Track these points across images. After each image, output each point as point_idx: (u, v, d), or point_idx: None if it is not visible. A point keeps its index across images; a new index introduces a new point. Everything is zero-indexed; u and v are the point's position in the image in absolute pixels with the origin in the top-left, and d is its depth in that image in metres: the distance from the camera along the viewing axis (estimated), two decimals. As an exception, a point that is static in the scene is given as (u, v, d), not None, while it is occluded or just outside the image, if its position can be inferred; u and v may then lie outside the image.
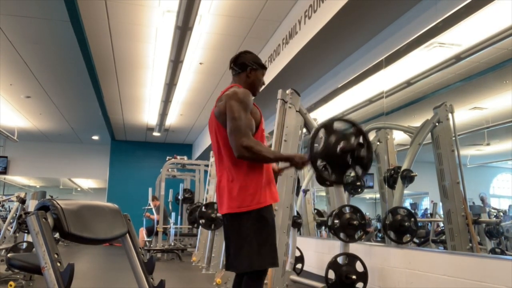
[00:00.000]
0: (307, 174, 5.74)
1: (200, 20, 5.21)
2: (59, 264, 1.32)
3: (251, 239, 2.03)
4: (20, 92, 8.48)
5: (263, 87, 2.36)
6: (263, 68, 2.30)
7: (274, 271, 3.82)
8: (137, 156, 13.34)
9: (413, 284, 3.37)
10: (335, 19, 4.00)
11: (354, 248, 3.80)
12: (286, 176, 3.89)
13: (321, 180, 4.29)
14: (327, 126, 2.06)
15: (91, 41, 5.97)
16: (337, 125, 2.08)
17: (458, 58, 3.88)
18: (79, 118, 10.76)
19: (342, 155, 1.98)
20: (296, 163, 2.10)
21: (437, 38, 3.71)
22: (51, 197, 2.62)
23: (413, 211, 4.62)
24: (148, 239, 8.85)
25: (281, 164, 2.23)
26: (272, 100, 4.06)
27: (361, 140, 2.02)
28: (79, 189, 21.50)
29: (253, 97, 2.20)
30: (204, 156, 11.00)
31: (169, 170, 9.26)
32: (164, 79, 6.90)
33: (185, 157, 8.92)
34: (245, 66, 2.24)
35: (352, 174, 2.07)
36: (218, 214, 5.59)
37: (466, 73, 4.03)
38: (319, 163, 2.04)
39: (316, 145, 2.05)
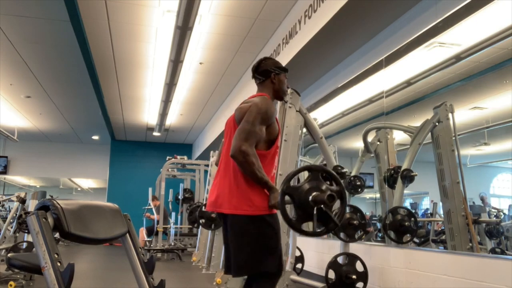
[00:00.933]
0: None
1: (200, 20, 5.21)
2: (59, 264, 1.32)
3: (254, 242, 2.01)
4: (20, 92, 8.48)
5: (289, 89, 2.36)
6: (285, 70, 2.30)
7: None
8: (137, 156, 13.34)
9: (413, 284, 3.37)
10: (335, 19, 4.00)
11: (354, 248, 3.80)
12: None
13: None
14: (313, 170, 2.00)
15: (91, 41, 5.97)
16: (323, 175, 2.01)
17: (458, 58, 3.88)
18: (79, 118, 10.76)
19: (315, 206, 1.91)
20: (270, 200, 2.04)
21: (437, 38, 3.71)
22: (51, 197, 2.62)
23: (413, 211, 4.62)
24: (148, 239, 8.85)
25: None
26: (272, 100, 4.05)
27: (334, 190, 1.93)
28: (79, 189, 21.51)
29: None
30: (204, 156, 11.00)
31: (169, 170, 9.25)
32: (164, 79, 6.90)
33: (185, 157, 8.92)
34: (268, 72, 2.24)
35: (311, 227, 1.96)
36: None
37: (466, 73, 4.03)
38: (294, 218, 1.97)
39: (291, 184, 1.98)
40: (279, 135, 2.20)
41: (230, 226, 2.09)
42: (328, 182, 2.00)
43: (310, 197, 1.91)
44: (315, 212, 1.90)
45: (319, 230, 1.97)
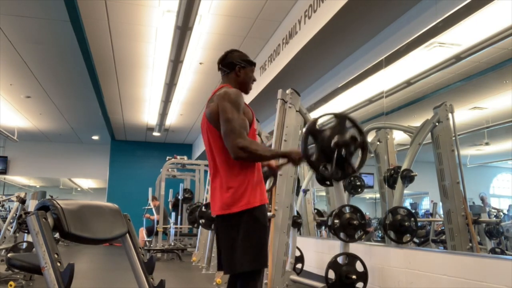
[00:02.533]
0: (307, 174, 5.74)
1: (200, 20, 5.21)
2: (59, 264, 1.32)
3: (242, 240, 2.01)
4: (20, 92, 8.48)
5: (254, 83, 2.33)
6: (252, 64, 2.27)
7: (274, 271, 3.82)
8: (137, 156, 13.34)
9: (413, 284, 3.37)
10: (335, 19, 4.00)
11: (354, 248, 3.79)
12: (286, 176, 3.89)
13: (321, 179, 4.30)
14: (340, 117, 2.04)
15: (91, 41, 5.97)
16: (336, 120, 2.05)
17: (458, 58, 3.88)
18: (79, 118, 10.76)
19: (336, 149, 1.95)
20: (293, 159, 2.08)
21: (437, 38, 3.71)
22: (51, 197, 2.62)
23: (413, 211, 4.62)
24: (148, 239, 8.85)
25: (280, 161, 2.22)
26: (272, 100, 4.06)
27: (357, 137, 1.98)
28: (79, 189, 21.50)
29: (244, 95, 2.20)
30: (204, 156, 10.95)
31: (169, 170, 9.25)
32: (164, 79, 6.90)
33: (185, 157, 8.91)
34: (233, 65, 2.21)
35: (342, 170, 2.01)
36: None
37: (466, 73, 4.03)
38: (314, 158, 2.01)
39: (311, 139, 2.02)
40: (254, 117, 2.20)
41: (223, 225, 2.11)
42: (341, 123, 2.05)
43: (333, 141, 1.96)
44: (335, 155, 1.95)
45: (337, 174, 2.01)
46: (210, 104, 2.13)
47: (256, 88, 6.15)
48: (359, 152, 2.05)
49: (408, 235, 3.75)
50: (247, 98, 2.39)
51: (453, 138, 3.81)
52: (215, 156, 2.13)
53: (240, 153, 1.99)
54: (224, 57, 2.25)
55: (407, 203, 6.94)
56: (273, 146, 3.90)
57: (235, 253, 2.02)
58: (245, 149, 1.99)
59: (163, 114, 8.90)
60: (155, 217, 8.67)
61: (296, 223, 4.58)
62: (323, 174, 2.06)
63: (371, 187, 5.88)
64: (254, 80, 2.30)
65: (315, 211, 6.06)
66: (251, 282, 2.04)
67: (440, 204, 4.41)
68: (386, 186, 4.41)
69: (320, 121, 2.12)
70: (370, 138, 4.95)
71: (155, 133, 11.23)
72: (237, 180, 2.06)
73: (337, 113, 2.06)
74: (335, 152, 1.95)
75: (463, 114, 4.83)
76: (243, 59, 2.24)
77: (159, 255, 7.89)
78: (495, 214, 5.08)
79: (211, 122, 2.11)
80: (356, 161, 2.05)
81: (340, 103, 5.74)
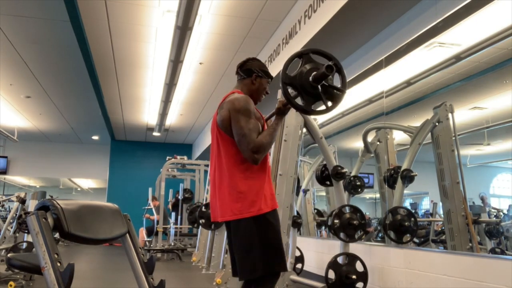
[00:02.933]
0: (307, 174, 5.74)
1: (200, 20, 5.21)
2: (59, 264, 1.32)
3: (256, 244, 2.01)
4: (20, 92, 8.48)
5: (266, 96, 2.34)
6: (269, 77, 2.29)
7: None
8: (137, 156, 13.34)
9: (413, 284, 3.37)
10: (335, 19, 4.01)
11: (354, 248, 3.80)
12: (286, 176, 3.88)
13: (321, 181, 4.30)
14: (303, 54, 2.01)
15: (91, 41, 5.97)
16: (313, 56, 2.03)
17: (458, 58, 3.88)
18: (79, 118, 10.76)
19: (318, 84, 1.94)
20: (283, 111, 2.16)
21: (437, 38, 3.71)
22: (51, 197, 2.62)
23: (413, 211, 4.62)
24: (148, 239, 8.85)
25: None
26: (272, 100, 4.06)
27: (329, 63, 1.95)
28: (79, 189, 21.50)
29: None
30: (204, 156, 11.01)
31: (169, 170, 9.25)
32: (164, 79, 6.90)
33: (185, 157, 8.92)
34: (251, 72, 2.23)
35: (322, 106, 1.99)
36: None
37: (466, 73, 4.03)
38: (303, 103, 2.01)
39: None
40: (265, 123, 2.23)
41: (235, 231, 2.09)
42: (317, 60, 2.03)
43: (311, 78, 1.93)
44: (320, 90, 1.94)
45: (331, 105, 1.99)
46: (220, 111, 2.14)
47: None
48: (338, 75, 2.02)
49: (408, 235, 3.75)
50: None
51: (453, 138, 3.81)
52: (223, 162, 2.13)
53: (255, 156, 2.03)
54: (244, 63, 2.28)
55: (407, 203, 6.94)
56: (272, 147, 3.90)
57: (249, 259, 2.01)
58: (259, 149, 2.03)
59: (163, 114, 8.90)
60: (155, 217, 8.67)
61: (296, 223, 4.59)
62: (320, 112, 2.03)
63: (371, 187, 5.88)
64: (267, 93, 2.31)
65: (315, 211, 6.06)
66: (267, 286, 2.05)
67: (440, 204, 4.41)
68: (386, 186, 4.41)
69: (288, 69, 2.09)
70: (370, 138, 4.95)
71: (155, 133, 11.23)
72: (247, 185, 2.06)
73: (298, 52, 2.03)
74: (319, 88, 1.94)
75: (463, 114, 4.83)
76: (262, 69, 2.26)
77: (159, 255, 7.89)
78: (495, 214, 5.08)
79: (222, 129, 2.12)
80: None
81: (340, 103, 5.73)
